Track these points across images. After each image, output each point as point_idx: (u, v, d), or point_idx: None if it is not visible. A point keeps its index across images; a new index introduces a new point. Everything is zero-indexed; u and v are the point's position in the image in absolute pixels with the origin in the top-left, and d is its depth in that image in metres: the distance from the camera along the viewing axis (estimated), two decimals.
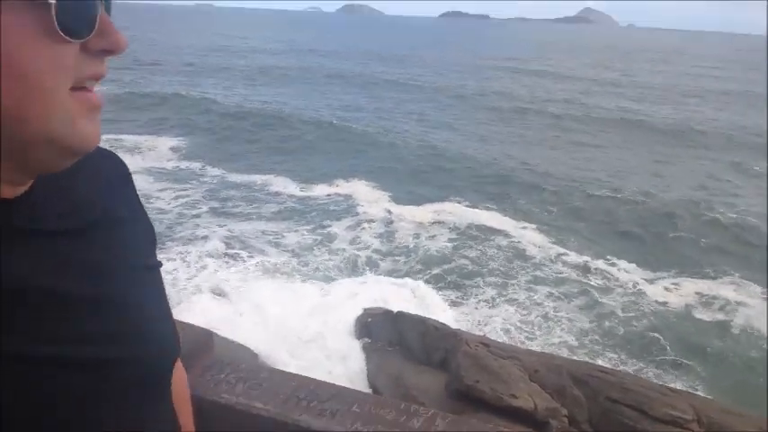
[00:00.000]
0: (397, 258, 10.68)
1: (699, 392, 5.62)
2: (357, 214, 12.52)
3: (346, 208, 12.94)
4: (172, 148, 16.85)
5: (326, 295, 8.91)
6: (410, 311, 8.29)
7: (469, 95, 30.30)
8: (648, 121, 24.68)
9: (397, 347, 7.22)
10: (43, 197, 0.57)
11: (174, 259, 9.55)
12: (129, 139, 17.10)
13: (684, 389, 4.96)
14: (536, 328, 8.59)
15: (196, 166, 15.41)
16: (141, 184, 12.84)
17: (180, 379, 0.87)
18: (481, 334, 7.61)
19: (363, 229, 11.79)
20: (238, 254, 10.11)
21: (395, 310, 7.83)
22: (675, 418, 4.34)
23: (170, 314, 0.72)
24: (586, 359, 6.45)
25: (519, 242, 11.31)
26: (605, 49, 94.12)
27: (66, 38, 0.47)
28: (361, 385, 6.83)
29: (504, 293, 9.51)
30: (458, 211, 12.73)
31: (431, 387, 5.71)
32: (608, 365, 6.23)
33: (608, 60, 64.73)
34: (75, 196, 0.62)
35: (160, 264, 0.74)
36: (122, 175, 0.74)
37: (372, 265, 10.33)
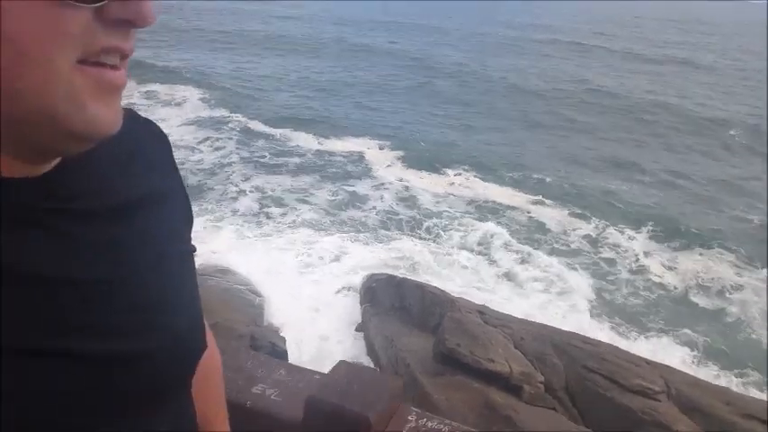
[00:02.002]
0: (410, 222, 10.88)
1: (685, 365, 5.70)
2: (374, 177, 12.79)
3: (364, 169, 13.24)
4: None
5: (337, 258, 9.18)
6: (420, 276, 8.57)
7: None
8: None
9: (398, 311, 7.46)
10: (67, 176, 0.51)
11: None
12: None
13: (663, 361, 5.04)
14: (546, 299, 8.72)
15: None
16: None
17: (212, 373, 0.79)
18: (482, 303, 7.79)
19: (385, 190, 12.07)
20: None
21: (400, 275, 8.07)
22: (645, 389, 4.47)
23: (198, 305, 0.66)
24: (579, 331, 6.55)
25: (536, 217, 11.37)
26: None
27: (71, 0, 0.41)
28: (359, 345, 7.16)
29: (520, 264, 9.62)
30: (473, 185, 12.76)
31: (420, 350, 5.93)
32: (600, 337, 6.34)
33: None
34: (104, 175, 0.56)
35: (194, 248, 0.68)
36: (163, 151, 0.68)
37: (391, 228, 10.57)
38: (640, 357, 4.92)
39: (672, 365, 4.96)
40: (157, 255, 0.59)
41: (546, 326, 5.87)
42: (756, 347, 7.75)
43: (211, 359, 0.77)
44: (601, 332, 7.03)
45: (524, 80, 23.67)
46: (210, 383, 0.78)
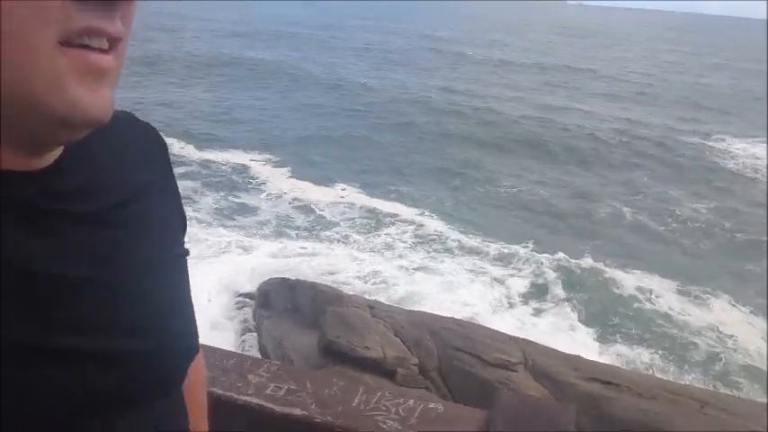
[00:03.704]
0: (305, 229, 11.06)
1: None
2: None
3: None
4: None
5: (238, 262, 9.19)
6: (320, 279, 8.73)
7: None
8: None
9: (291, 313, 7.59)
10: (64, 174, 0.51)
11: None
12: None
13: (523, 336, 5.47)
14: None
15: None
16: None
17: (197, 378, 0.77)
18: (373, 298, 8.07)
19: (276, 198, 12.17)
20: None
21: (294, 277, 8.20)
22: (504, 362, 4.85)
23: (192, 308, 0.65)
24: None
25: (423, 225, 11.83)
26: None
27: None
28: (253, 352, 7.22)
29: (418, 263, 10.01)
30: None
31: (306, 347, 6.10)
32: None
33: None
34: (101, 174, 0.55)
35: (187, 252, 0.67)
36: (160, 154, 0.67)
37: (286, 234, 10.70)
38: (504, 333, 5.33)
39: (537, 341, 5.38)
40: (153, 256, 0.58)
41: (426, 313, 6.21)
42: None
43: (199, 371, 0.77)
44: (480, 315, 7.50)
45: (407, 93, 24.36)
46: (195, 386, 0.76)
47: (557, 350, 5.10)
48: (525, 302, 9.07)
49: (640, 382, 4.56)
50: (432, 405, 1.09)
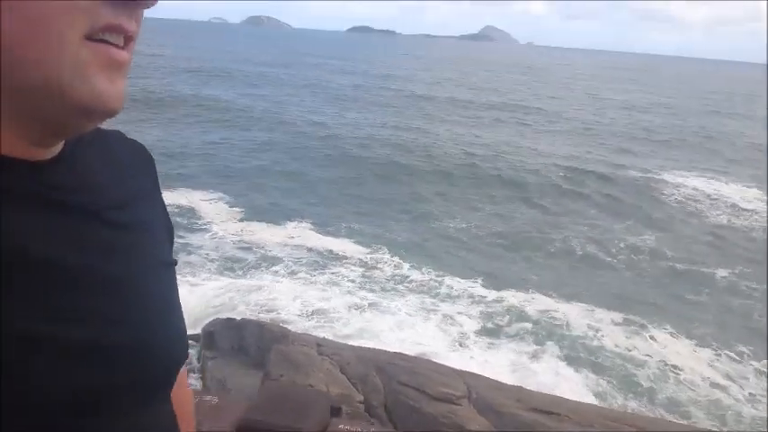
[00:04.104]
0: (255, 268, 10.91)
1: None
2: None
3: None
4: None
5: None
6: (267, 316, 8.58)
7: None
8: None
9: (237, 353, 7.42)
10: (64, 169, 0.52)
11: None
12: None
13: (466, 369, 5.49)
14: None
15: None
16: None
17: (184, 396, 0.77)
18: (323, 336, 7.97)
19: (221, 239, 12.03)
20: None
21: (240, 316, 8.04)
22: (448, 395, 4.84)
23: (182, 314, 0.66)
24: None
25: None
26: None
27: None
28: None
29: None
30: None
31: (250, 387, 5.95)
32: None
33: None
34: (97, 179, 0.57)
35: (176, 261, 0.68)
36: (148, 169, 0.70)
37: (229, 273, 10.52)
38: (449, 367, 5.33)
39: (476, 372, 5.40)
40: (147, 259, 0.60)
41: (373, 349, 6.17)
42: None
43: (183, 376, 0.77)
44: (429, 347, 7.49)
45: (359, 129, 24.62)
46: (184, 405, 0.75)
47: (500, 382, 5.13)
48: (476, 337, 9.13)
49: (580, 410, 4.62)
50: None
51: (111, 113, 0.49)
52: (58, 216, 0.50)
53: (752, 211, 17.56)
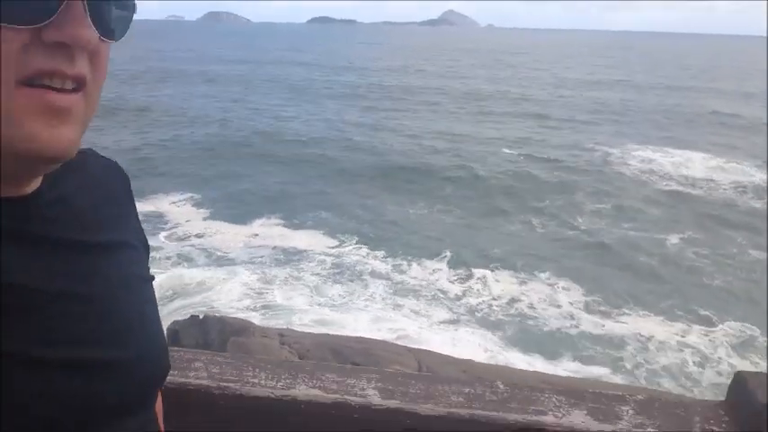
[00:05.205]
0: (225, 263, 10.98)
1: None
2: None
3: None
4: None
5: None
6: (237, 313, 8.70)
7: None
8: None
9: (201, 348, 7.54)
10: (43, 202, 0.54)
11: None
12: None
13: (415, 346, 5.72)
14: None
15: None
16: None
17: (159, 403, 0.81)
18: (285, 327, 8.13)
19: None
20: None
21: (203, 313, 8.15)
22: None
23: (161, 327, 0.68)
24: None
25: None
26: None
27: (7, 24, 0.43)
28: None
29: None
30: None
31: None
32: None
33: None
34: (75, 204, 0.59)
35: (152, 277, 0.71)
36: (123, 187, 0.72)
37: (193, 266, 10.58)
38: (402, 346, 5.55)
39: (431, 349, 5.63)
40: (124, 277, 0.62)
41: (330, 335, 6.37)
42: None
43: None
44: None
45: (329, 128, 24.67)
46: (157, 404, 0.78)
47: (450, 356, 5.37)
48: (446, 318, 9.34)
49: (524, 377, 4.88)
50: None
51: (53, 160, 0.48)
52: (37, 247, 0.52)
53: (705, 179, 18.17)
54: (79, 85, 0.48)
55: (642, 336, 9.12)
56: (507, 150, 21.09)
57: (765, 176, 17.82)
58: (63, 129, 0.47)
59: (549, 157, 20.21)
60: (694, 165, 19.75)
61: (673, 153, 21.39)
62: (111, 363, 0.55)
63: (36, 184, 0.53)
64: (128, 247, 0.65)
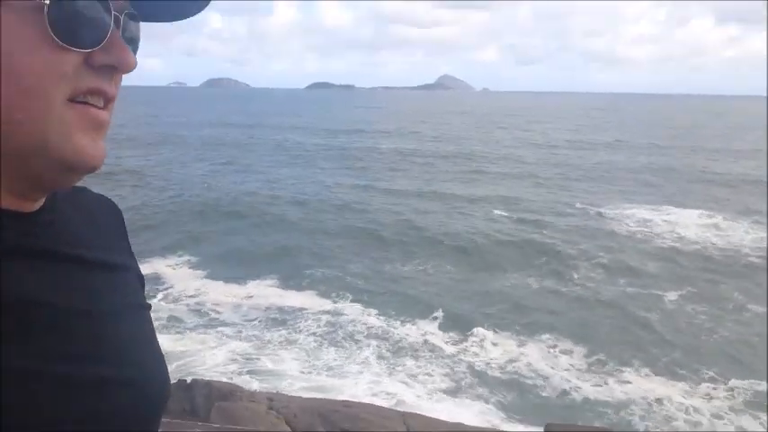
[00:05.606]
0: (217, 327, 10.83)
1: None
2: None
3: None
4: None
5: None
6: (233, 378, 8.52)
7: None
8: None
9: (188, 414, 7.32)
10: (49, 219, 0.57)
11: None
12: None
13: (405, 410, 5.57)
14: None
15: None
16: None
17: None
18: (275, 391, 7.94)
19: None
20: None
21: (191, 378, 7.96)
22: None
23: (162, 355, 0.68)
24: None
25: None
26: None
27: (63, 44, 0.48)
28: None
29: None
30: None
31: None
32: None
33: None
34: (76, 227, 0.62)
35: (150, 306, 0.72)
36: (117, 221, 0.75)
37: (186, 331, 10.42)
38: (391, 409, 5.41)
39: (420, 413, 5.48)
40: (124, 300, 0.63)
41: (318, 399, 6.22)
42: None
43: None
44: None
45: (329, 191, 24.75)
46: None
47: (438, 419, 5.23)
48: (441, 383, 9.13)
49: None
50: None
51: (92, 169, 0.52)
52: (45, 262, 0.54)
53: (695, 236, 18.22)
54: (108, 102, 0.53)
55: (647, 397, 8.94)
56: (498, 212, 21.18)
57: (760, 233, 17.90)
58: (100, 142, 0.53)
59: (542, 216, 20.30)
60: (688, 222, 19.83)
61: (666, 210, 21.52)
62: (115, 380, 0.55)
63: (39, 204, 0.56)
64: (125, 272, 0.68)
